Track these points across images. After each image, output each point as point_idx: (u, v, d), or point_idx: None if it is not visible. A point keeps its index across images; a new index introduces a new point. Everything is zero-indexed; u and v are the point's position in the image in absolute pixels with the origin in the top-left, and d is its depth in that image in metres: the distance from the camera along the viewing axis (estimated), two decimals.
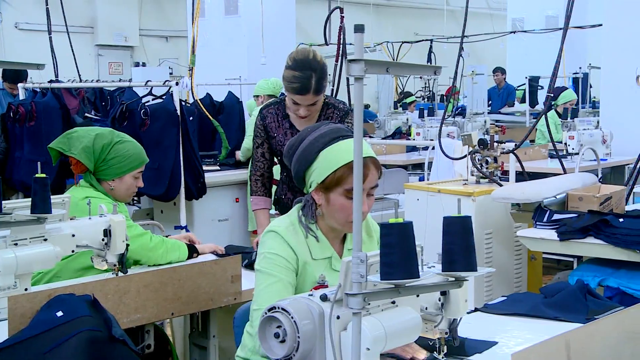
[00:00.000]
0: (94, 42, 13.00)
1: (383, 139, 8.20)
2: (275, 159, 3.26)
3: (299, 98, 2.94)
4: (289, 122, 3.13)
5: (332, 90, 5.06)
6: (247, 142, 5.55)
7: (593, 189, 3.72)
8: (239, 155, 5.70)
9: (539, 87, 10.18)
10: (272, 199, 3.28)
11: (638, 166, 4.44)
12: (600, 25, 6.87)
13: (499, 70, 11.66)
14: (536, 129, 7.46)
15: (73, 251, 2.38)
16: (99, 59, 13.13)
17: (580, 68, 9.84)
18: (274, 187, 3.31)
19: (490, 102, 11.79)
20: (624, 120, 6.15)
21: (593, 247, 3.15)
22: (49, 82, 5.32)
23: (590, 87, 10.41)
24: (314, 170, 2.01)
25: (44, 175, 2.21)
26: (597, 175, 4.49)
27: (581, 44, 10.64)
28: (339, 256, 2.10)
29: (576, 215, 3.31)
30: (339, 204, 2.00)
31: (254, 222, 5.40)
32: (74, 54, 7.16)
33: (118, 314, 2.21)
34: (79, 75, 7.19)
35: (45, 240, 2.27)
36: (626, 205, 3.84)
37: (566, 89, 8.49)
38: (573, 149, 5.89)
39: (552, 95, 4.71)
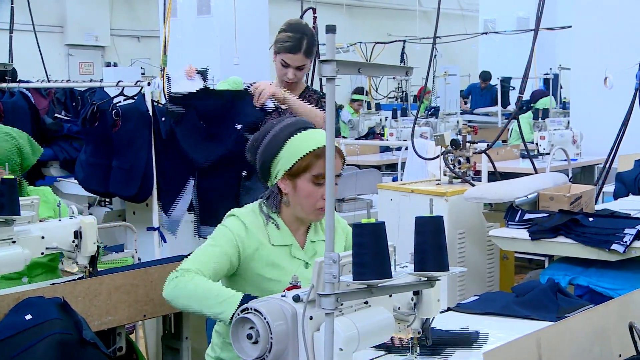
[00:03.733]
0: (63, 42, 12.82)
1: (357, 139, 8.23)
2: None
3: (289, 57, 3.09)
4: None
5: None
6: None
7: (563, 189, 3.77)
8: None
9: (510, 88, 10.28)
10: None
11: (607, 166, 4.51)
12: (570, 26, 6.96)
13: (487, 78, 11.62)
14: (508, 129, 7.54)
15: (42, 253, 2.34)
16: (69, 58, 12.96)
17: (550, 69, 9.97)
18: None
19: (469, 97, 11.86)
20: (594, 121, 6.24)
21: (563, 246, 3.19)
22: (17, 81, 5.24)
23: (561, 87, 10.54)
24: (280, 158, 2.07)
25: (12, 176, 2.17)
26: (568, 175, 4.55)
27: (551, 45, 10.78)
28: (301, 246, 2.15)
29: (547, 214, 3.35)
30: (306, 191, 2.06)
31: None
32: (41, 54, 7.06)
33: (89, 317, 2.18)
34: (47, 75, 7.09)
35: (14, 242, 2.23)
36: (596, 204, 3.89)
37: (546, 95, 8.63)
38: (544, 149, 5.97)
39: (522, 96, 4.76)
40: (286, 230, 2.14)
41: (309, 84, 5.21)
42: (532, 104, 8.26)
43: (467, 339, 2.05)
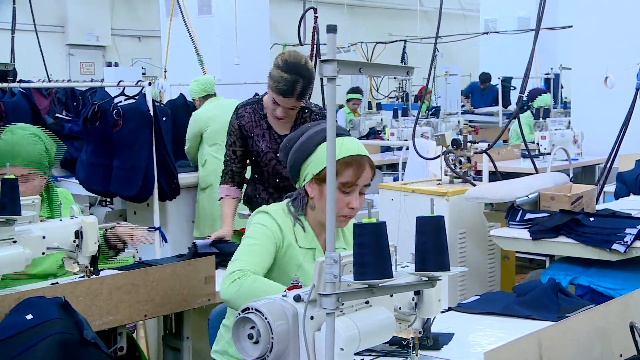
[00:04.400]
0: (64, 42, 12.83)
1: (358, 139, 8.21)
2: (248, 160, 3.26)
3: (280, 99, 2.96)
4: (266, 123, 3.12)
5: None
6: (187, 145, 5.38)
7: (564, 189, 3.77)
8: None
9: (511, 88, 10.28)
10: (243, 198, 3.27)
11: (608, 166, 4.51)
12: (571, 26, 6.96)
13: (486, 79, 11.60)
14: (509, 129, 7.54)
15: (43, 253, 2.34)
16: (70, 58, 12.96)
17: (551, 69, 9.96)
18: (245, 186, 3.31)
19: (470, 95, 11.85)
20: (595, 121, 6.24)
21: (564, 246, 3.19)
22: (18, 81, 5.24)
23: (562, 87, 10.53)
24: (310, 162, 2.09)
25: (13, 176, 2.17)
26: (569, 175, 4.55)
27: (552, 45, 10.78)
28: (323, 250, 2.16)
29: (548, 214, 3.35)
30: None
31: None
32: (42, 54, 7.07)
33: (90, 317, 2.18)
34: (47, 74, 7.10)
35: (15, 242, 2.23)
36: (597, 204, 3.89)
37: (544, 92, 8.61)
38: (545, 149, 5.97)
39: (522, 95, 4.76)
40: (311, 233, 2.16)
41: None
42: (530, 103, 8.26)
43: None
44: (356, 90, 10.16)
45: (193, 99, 5.70)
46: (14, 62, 6.43)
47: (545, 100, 8.13)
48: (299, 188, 2.17)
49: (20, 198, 2.18)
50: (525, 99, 8.27)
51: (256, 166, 3.20)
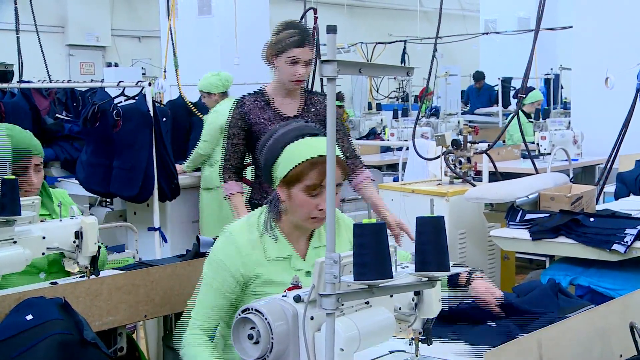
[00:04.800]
0: (64, 42, 12.83)
1: (357, 139, 8.22)
2: (249, 159, 3.21)
3: (299, 51, 2.96)
4: (271, 110, 3.08)
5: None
6: (202, 147, 5.23)
7: (564, 189, 3.77)
8: (184, 166, 5.31)
9: (511, 88, 10.28)
10: (246, 198, 3.16)
11: (609, 166, 4.51)
12: (571, 27, 6.96)
13: (480, 77, 11.59)
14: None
15: (43, 253, 2.34)
16: (70, 59, 12.96)
17: (551, 69, 9.97)
18: (247, 189, 3.21)
19: (468, 101, 11.85)
20: (595, 121, 6.23)
21: (564, 246, 3.19)
22: (18, 82, 5.25)
23: (562, 88, 10.54)
24: (278, 165, 2.01)
25: (13, 176, 2.17)
26: (569, 175, 4.55)
27: (552, 45, 10.79)
28: (302, 255, 2.07)
29: (548, 215, 3.35)
30: (299, 200, 1.99)
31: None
32: (43, 54, 7.08)
33: (90, 317, 2.18)
34: (49, 75, 7.10)
35: (15, 242, 2.23)
36: (597, 204, 3.89)
37: (533, 89, 8.58)
38: (545, 149, 5.96)
39: (524, 96, 4.76)
40: (284, 241, 2.06)
41: (308, 87, 5.19)
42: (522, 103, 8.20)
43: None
44: (338, 97, 10.11)
45: (208, 94, 5.43)
46: (21, 62, 6.45)
47: (536, 96, 8.06)
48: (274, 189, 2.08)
49: (20, 198, 2.18)
50: (515, 98, 8.22)
51: (256, 168, 3.09)
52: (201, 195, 5.26)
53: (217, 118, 5.15)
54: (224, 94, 5.45)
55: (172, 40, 6.35)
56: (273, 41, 3.02)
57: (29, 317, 1.89)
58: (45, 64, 7.10)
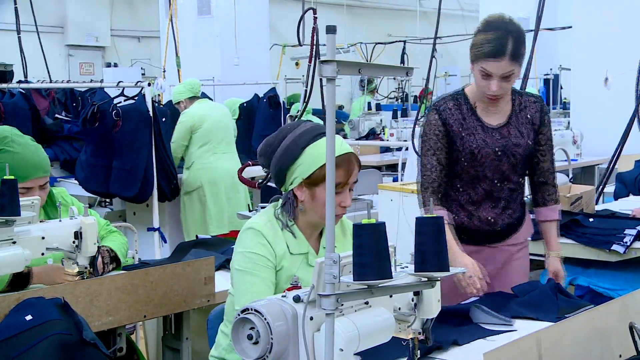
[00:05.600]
0: (64, 42, 12.82)
1: (357, 139, 8.22)
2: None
3: (491, 65, 2.43)
4: (474, 118, 2.57)
5: (305, 91, 5.06)
6: (172, 148, 5.18)
7: (564, 189, 3.77)
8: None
9: None
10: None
11: (611, 166, 4.51)
12: (570, 27, 6.97)
13: None
14: None
15: (43, 254, 2.34)
16: (69, 59, 12.95)
17: (551, 69, 9.96)
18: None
19: None
20: (594, 121, 6.24)
21: (564, 246, 3.18)
22: (17, 82, 5.24)
23: (561, 88, 10.53)
24: (298, 166, 2.04)
25: (12, 176, 2.17)
26: (568, 175, 4.55)
27: (552, 45, 10.77)
28: (316, 252, 2.14)
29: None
30: (324, 199, 2.00)
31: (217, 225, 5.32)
32: (44, 54, 7.08)
33: (89, 317, 2.18)
34: (49, 75, 7.10)
35: (14, 243, 2.23)
36: (596, 205, 3.89)
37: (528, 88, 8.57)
38: None
39: None
40: (302, 237, 2.13)
41: (308, 87, 5.16)
42: None
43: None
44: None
45: (177, 103, 5.52)
46: (25, 63, 6.44)
47: None
48: (285, 192, 2.12)
49: (20, 199, 2.18)
50: None
51: (460, 171, 2.59)
52: (182, 199, 5.27)
53: (186, 119, 5.21)
54: (192, 99, 5.48)
55: (175, 40, 6.37)
56: (472, 42, 2.52)
57: (29, 317, 1.89)
58: (46, 64, 7.10)
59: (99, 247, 2.44)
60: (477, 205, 2.59)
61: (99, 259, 2.56)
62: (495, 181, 2.57)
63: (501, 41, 2.41)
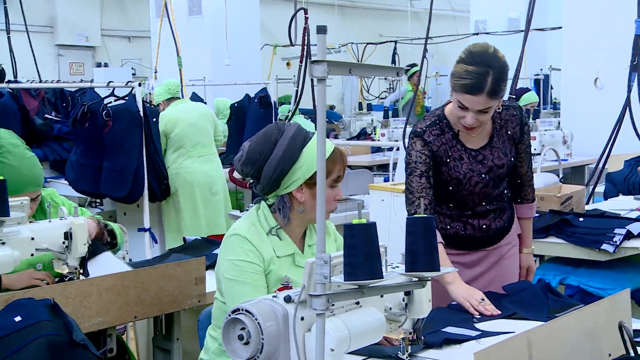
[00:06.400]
0: (54, 42, 12.76)
1: (348, 139, 8.23)
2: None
3: (468, 99, 2.37)
4: (460, 144, 2.54)
5: (297, 91, 5.07)
6: None
7: (554, 189, 3.78)
8: None
9: None
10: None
11: (601, 166, 4.52)
12: (560, 27, 6.99)
13: None
14: None
15: (32, 254, 2.33)
16: (59, 59, 12.90)
17: (541, 70, 10.00)
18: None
19: None
20: (584, 121, 6.27)
21: (554, 246, 3.20)
22: (6, 82, 5.21)
23: (551, 88, 10.57)
24: (299, 167, 2.05)
25: (1, 177, 2.16)
26: (558, 175, 4.56)
27: (542, 46, 10.82)
28: (301, 251, 2.15)
29: (538, 215, 3.36)
30: (327, 196, 2.06)
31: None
32: (33, 54, 7.04)
33: (79, 318, 2.17)
34: (39, 75, 7.07)
35: (4, 243, 2.21)
36: (586, 204, 3.91)
37: (528, 90, 8.60)
38: (535, 149, 5.99)
39: (514, 97, 4.78)
40: (288, 239, 2.13)
41: (298, 87, 5.16)
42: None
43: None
44: (413, 64, 9.27)
45: (157, 104, 5.44)
46: (14, 63, 6.40)
47: (530, 98, 8.10)
48: (277, 197, 2.10)
49: (9, 199, 2.17)
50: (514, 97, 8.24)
51: (448, 195, 2.60)
52: (161, 205, 5.24)
53: (160, 123, 5.08)
54: (170, 100, 5.43)
55: (175, 40, 6.33)
56: (452, 70, 2.45)
57: (18, 318, 1.87)
58: (36, 64, 7.06)
59: (89, 247, 2.43)
60: (470, 216, 2.60)
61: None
62: (484, 202, 2.59)
63: (481, 77, 2.34)
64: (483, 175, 2.54)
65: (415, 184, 2.53)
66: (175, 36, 6.04)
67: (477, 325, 2.19)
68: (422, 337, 1.77)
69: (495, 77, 2.35)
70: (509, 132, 2.58)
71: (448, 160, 2.53)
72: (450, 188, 2.55)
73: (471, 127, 2.46)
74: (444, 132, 2.54)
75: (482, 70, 2.34)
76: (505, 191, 2.66)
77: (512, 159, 2.60)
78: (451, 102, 2.53)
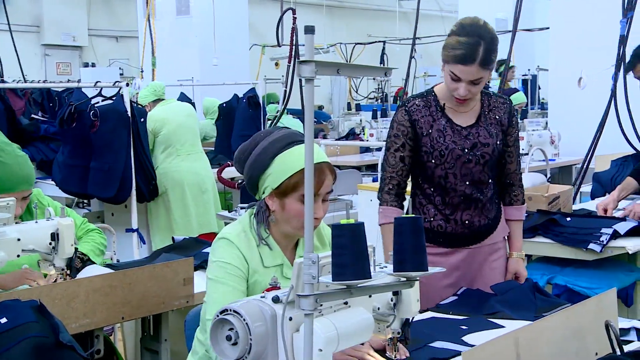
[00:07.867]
0: (40, 42, 12.68)
1: (337, 140, 8.23)
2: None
3: (460, 69, 2.42)
4: (444, 118, 2.57)
5: (285, 91, 5.06)
6: None
7: (542, 189, 3.80)
8: None
9: (489, 88, 10.32)
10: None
11: (585, 166, 4.56)
12: (548, 28, 7.03)
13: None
14: None
15: (19, 255, 2.32)
16: (46, 59, 12.82)
17: (529, 70, 10.04)
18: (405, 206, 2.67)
19: None
20: (572, 121, 6.30)
21: (541, 245, 3.22)
22: None
23: (539, 88, 10.62)
24: (268, 175, 1.98)
25: None
26: (546, 175, 4.59)
27: (529, 46, 10.87)
28: (291, 264, 2.08)
29: (526, 214, 3.37)
30: (294, 210, 1.97)
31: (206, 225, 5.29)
32: (17, 54, 7.00)
33: (66, 319, 2.16)
34: (23, 75, 7.03)
35: None
36: (573, 204, 3.93)
37: (517, 91, 8.62)
38: (522, 149, 6.02)
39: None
40: (277, 248, 2.06)
41: (287, 87, 5.15)
42: None
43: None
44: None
45: (143, 106, 5.45)
46: (0, 62, 6.36)
47: (519, 98, 8.12)
48: (259, 200, 2.06)
49: None
50: None
51: (430, 174, 2.58)
52: (148, 205, 5.23)
53: (148, 123, 5.07)
54: (156, 102, 5.46)
55: (152, 40, 6.33)
56: (444, 43, 2.50)
57: (3, 320, 1.86)
58: (20, 64, 7.02)
59: (75, 249, 2.42)
60: (453, 208, 2.59)
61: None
62: (467, 182, 2.57)
63: (472, 47, 2.41)
64: (466, 150, 2.55)
65: (391, 159, 2.59)
66: (152, 36, 6.02)
67: (465, 339, 2.15)
68: (409, 338, 1.77)
69: (487, 47, 2.42)
70: (497, 117, 2.62)
71: (430, 131, 2.56)
72: (433, 164, 2.55)
73: (464, 99, 2.51)
74: (429, 105, 2.59)
75: (474, 41, 2.42)
76: (492, 190, 2.65)
77: (499, 142, 2.59)
78: (440, 84, 2.60)
